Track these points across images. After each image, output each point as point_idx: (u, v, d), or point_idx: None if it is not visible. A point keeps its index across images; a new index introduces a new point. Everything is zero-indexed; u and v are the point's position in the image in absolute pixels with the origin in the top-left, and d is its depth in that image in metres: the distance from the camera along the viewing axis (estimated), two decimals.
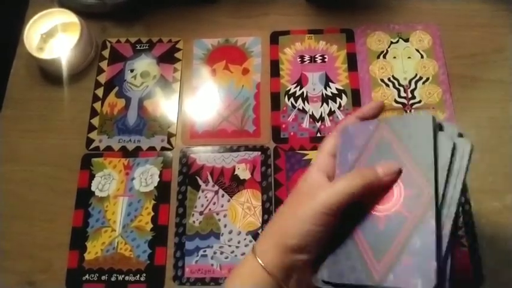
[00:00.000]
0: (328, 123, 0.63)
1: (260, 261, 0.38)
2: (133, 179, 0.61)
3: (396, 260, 0.36)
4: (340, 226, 0.39)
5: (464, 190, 0.57)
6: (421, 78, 0.64)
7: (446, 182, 0.37)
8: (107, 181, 0.61)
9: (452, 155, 0.37)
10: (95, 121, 0.65)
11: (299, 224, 0.38)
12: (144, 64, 0.68)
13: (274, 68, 0.67)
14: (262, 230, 0.57)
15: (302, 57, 0.67)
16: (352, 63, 0.66)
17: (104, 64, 0.69)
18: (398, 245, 0.36)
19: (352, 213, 0.39)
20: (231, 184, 0.60)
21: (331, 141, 0.44)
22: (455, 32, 0.67)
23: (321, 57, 0.67)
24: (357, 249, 0.39)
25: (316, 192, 0.38)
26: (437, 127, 0.39)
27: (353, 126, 0.43)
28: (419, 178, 0.37)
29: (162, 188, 0.60)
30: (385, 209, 0.39)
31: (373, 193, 0.39)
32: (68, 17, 0.66)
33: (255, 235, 0.57)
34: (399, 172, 0.38)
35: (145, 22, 0.71)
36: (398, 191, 0.38)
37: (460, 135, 0.39)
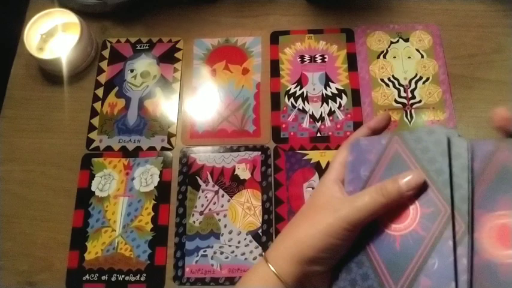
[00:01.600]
0: (328, 123, 0.63)
1: (273, 269, 0.38)
2: (133, 179, 0.61)
3: (414, 282, 0.35)
4: (356, 242, 0.38)
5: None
6: (421, 78, 0.64)
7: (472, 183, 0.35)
8: (107, 181, 0.61)
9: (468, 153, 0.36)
10: (95, 121, 0.65)
11: (318, 237, 0.37)
12: (144, 64, 0.68)
13: (274, 68, 0.67)
14: (262, 229, 0.57)
15: (302, 57, 0.67)
16: (352, 63, 0.66)
17: (104, 64, 0.69)
18: (416, 265, 0.35)
19: (367, 230, 0.38)
20: (231, 184, 0.60)
21: (344, 151, 0.43)
22: (455, 32, 0.67)
23: (321, 57, 0.67)
24: (374, 271, 0.38)
25: (337, 205, 0.38)
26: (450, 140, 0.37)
27: (365, 140, 0.42)
28: (436, 195, 0.36)
29: (162, 188, 0.60)
30: (400, 228, 0.37)
31: (392, 209, 0.38)
32: (68, 17, 0.66)
33: (255, 235, 0.57)
34: (423, 184, 0.36)
35: (145, 22, 0.71)
36: (414, 209, 0.37)
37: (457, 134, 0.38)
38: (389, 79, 0.65)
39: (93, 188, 0.61)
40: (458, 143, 0.37)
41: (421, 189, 0.36)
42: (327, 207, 0.38)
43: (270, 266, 0.38)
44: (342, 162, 0.42)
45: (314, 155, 0.61)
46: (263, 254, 0.41)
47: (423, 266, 0.35)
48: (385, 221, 0.38)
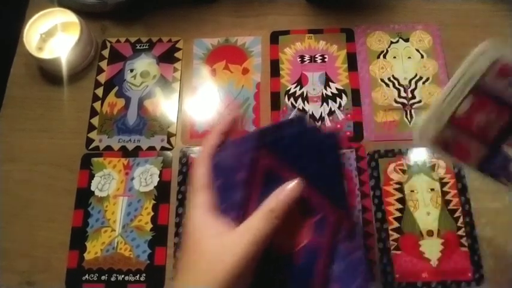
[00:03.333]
0: (328, 123, 0.63)
1: None
2: (133, 178, 0.61)
3: None
4: (259, 274, 0.37)
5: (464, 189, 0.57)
6: (421, 78, 0.64)
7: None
8: (106, 181, 0.61)
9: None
10: (95, 121, 0.65)
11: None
12: (144, 64, 0.68)
13: (274, 68, 0.66)
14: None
15: (302, 57, 0.67)
16: (352, 63, 0.66)
17: (103, 64, 0.69)
18: (320, 274, 0.35)
19: (266, 259, 0.37)
20: None
21: (202, 169, 0.39)
22: (455, 32, 0.67)
23: (321, 57, 0.67)
24: None
25: (230, 247, 0.35)
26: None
27: (227, 159, 0.38)
28: (320, 198, 0.36)
29: (162, 188, 0.60)
30: (297, 243, 0.37)
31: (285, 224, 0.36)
32: (68, 17, 0.66)
33: None
34: (300, 188, 0.35)
35: (145, 22, 0.71)
36: (305, 221, 0.36)
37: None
38: (389, 79, 0.65)
39: (92, 188, 0.61)
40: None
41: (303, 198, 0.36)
42: (220, 252, 0.35)
43: None
44: (205, 184, 0.38)
45: None
46: None
47: (328, 272, 0.35)
48: (282, 244, 0.37)
